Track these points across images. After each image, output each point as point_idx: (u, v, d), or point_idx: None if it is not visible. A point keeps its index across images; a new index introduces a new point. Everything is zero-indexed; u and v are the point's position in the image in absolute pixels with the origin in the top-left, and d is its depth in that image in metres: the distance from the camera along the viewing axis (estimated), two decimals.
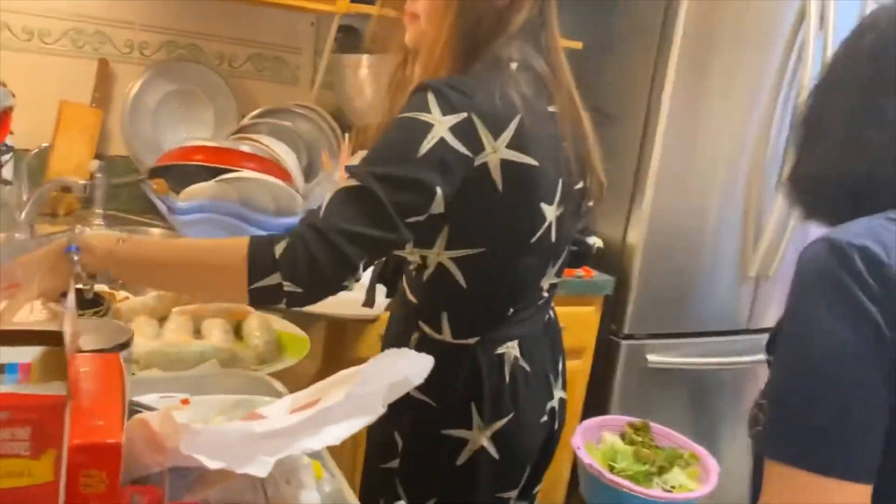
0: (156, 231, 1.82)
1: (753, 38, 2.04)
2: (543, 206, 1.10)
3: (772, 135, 2.14)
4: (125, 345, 0.91)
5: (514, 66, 1.08)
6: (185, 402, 0.91)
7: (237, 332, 1.23)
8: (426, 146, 0.98)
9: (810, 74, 2.06)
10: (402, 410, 1.16)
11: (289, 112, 2.07)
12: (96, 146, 1.91)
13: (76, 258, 0.99)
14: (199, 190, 1.73)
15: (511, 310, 1.17)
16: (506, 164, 1.04)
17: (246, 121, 2.02)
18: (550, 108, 1.12)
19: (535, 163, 1.06)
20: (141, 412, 0.64)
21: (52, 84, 1.89)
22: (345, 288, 1.00)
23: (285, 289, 0.95)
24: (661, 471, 1.90)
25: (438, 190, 0.99)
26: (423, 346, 1.17)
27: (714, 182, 2.12)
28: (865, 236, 0.74)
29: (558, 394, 1.28)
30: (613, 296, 2.09)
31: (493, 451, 1.16)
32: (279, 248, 0.95)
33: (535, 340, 1.22)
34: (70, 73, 1.90)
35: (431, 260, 1.12)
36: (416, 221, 1.00)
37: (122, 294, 1.40)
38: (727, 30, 2.00)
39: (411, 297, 1.20)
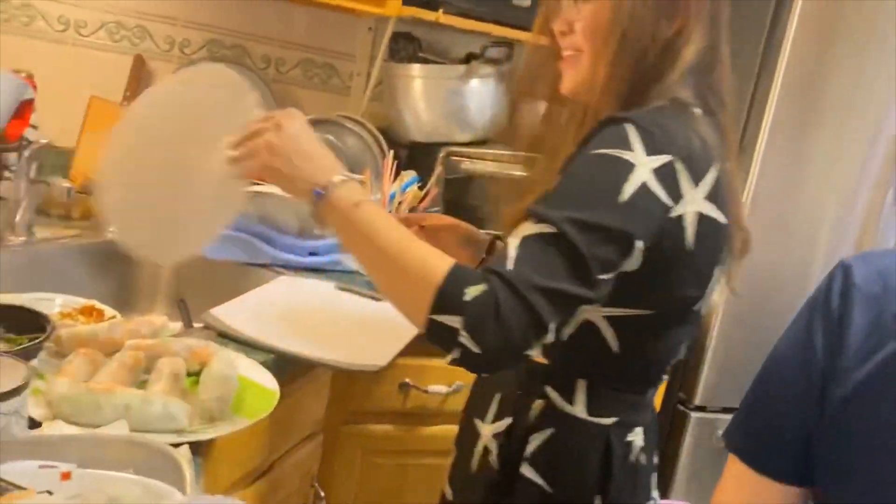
0: None
1: (879, 62, 1.71)
2: (717, 270, 0.96)
3: (893, 183, 1.80)
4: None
5: (697, 111, 0.94)
6: (65, 476, 0.71)
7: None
8: (629, 190, 0.85)
9: None
10: (509, 491, 1.02)
11: (334, 124, 1.88)
12: None
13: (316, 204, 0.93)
14: None
15: (651, 390, 1.02)
16: (701, 219, 0.90)
17: None
18: (728, 164, 0.96)
19: (725, 220, 0.93)
20: None
21: (85, 79, 1.78)
22: (525, 358, 0.87)
23: (460, 339, 0.81)
24: None
25: (639, 245, 0.86)
26: (548, 417, 1.00)
27: (818, 237, 1.80)
28: (867, 259, 0.78)
29: (654, 493, 1.09)
30: (684, 360, 1.79)
31: None
32: (472, 292, 0.81)
33: (652, 431, 1.05)
34: (105, 67, 1.79)
35: (577, 316, 0.93)
36: (607, 279, 0.85)
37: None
38: (846, 53, 1.69)
39: (541, 358, 1.00)
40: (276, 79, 1.92)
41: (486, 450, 1.06)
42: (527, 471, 1.00)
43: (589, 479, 0.99)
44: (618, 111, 0.92)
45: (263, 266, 1.59)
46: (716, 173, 0.91)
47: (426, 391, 1.49)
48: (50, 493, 0.66)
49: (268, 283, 1.47)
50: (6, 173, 1.67)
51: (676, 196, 0.88)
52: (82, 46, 1.77)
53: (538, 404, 1.01)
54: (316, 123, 1.87)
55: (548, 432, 1.00)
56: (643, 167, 0.85)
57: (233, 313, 1.29)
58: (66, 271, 1.52)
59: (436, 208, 1.73)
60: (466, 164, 1.74)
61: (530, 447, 1.00)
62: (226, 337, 1.22)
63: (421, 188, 1.74)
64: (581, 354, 0.98)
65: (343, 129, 1.89)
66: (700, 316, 1.00)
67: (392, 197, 1.69)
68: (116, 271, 1.62)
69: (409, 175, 1.76)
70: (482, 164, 1.75)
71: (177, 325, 1.24)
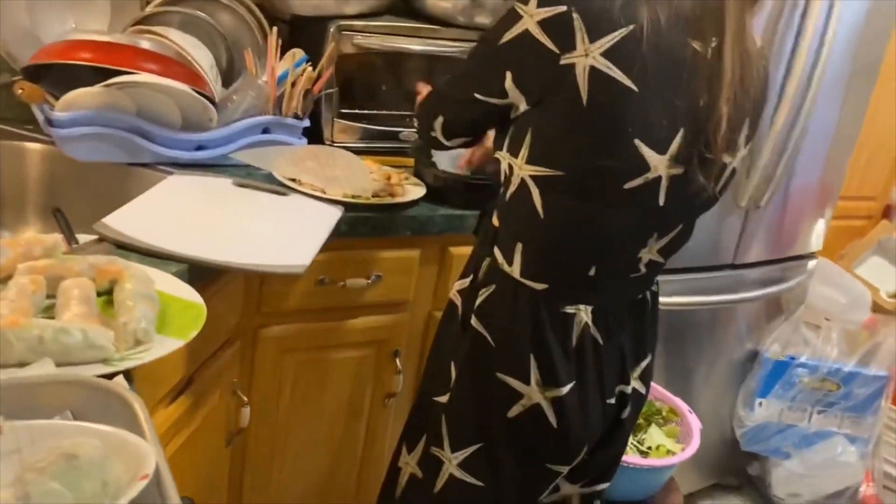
0: (34, 147, 1.47)
1: None
2: (642, 146, 0.94)
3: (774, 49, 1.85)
4: None
5: None
6: None
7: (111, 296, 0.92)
8: (508, 36, 0.97)
9: None
10: (461, 340, 1.10)
11: (204, 0, 1.69)
12: None
13: None
14: (83, 98, 1.37)
15: (593, 269, 1.04)
16: (595, 74, 0.91)
17: (150, 9, 1.64)
18: (694, 44, 0.94)
19: (633, 87, 0.91)
20: None
21: None
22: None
23: None
24: (637, 429, 1.69)
25: (508, 75, 0.98)
26: (492, 275, 1.08)
27: None
28: None
29: (635, 384, 1.16)
30: None
31: (551, 416, 1.06)
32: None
33: (615, 316, 1.09)
34: None
35: (516, 173, 1.02)
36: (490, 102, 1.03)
37: None
38: None
39: (494, 220, 1.11)
40: None
41: (452, 304, 1.15)
42: (474, 321, 1.08)
43: (522, 337, 1.04)
44: None
45: (146, 166, 1.44)
46: (626, 34, 0.90)
47: (344, 285, 1.43)
48: None
49: (159, 184, 1.33)
50: None
51: (566, 45, 0.91)
52: None
53: (486, 263, 1.09)
54: (183, 0, 1.67)
55: (491, 288, 1.07)
56: (530, 18, 0.94)
57: (129, 221, 1.16)
58: None
59: (331, 89, 1.61)
60: (359, 39, 1.62)
61: (478, 300, 1.08)
62: (126, 248, 1.10)
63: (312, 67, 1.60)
64: (518, 217, 1.04)
65: (215, 4, 1.70)
66: (657, 205, 0.98)
67: (284, 76, 1.55)
68: None
69: (299, 54, 1.62)
70: (377, 39, 1.63)
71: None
